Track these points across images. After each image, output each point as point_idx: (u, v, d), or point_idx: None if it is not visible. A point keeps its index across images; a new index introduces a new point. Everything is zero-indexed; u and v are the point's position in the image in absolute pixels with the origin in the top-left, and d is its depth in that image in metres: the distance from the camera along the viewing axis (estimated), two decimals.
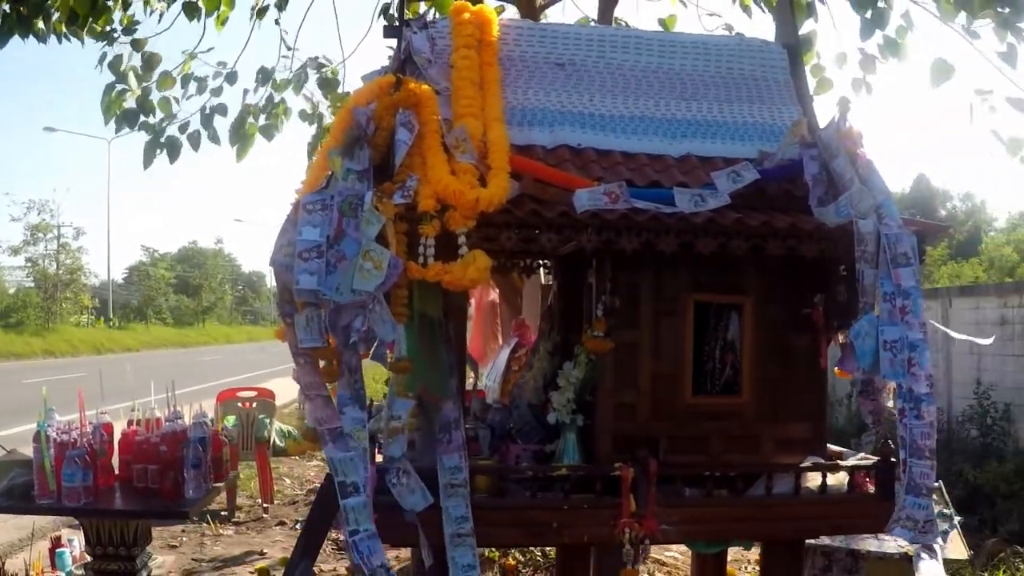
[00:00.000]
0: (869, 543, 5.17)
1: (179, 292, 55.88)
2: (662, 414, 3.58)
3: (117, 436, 4.20)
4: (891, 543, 5.12)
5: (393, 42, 3.84)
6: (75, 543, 4.86)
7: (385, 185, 3.15)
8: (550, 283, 4.85)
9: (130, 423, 4.27)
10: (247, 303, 77.55)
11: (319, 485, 3.59)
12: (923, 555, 4.64)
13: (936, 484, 5.48)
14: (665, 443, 3.54)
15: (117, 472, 4.14)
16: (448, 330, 3.37)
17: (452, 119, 3.47)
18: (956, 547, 5.29)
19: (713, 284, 3.64)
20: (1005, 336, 11.66)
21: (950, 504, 5.52)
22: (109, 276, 48.31)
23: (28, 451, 3.98)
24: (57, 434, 3.89)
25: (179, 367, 21.58)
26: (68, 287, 38.18)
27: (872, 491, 3.69)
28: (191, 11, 6.18)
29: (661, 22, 7.03)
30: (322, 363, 3.14)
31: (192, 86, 7.23)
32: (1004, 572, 6.40)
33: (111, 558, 3.96)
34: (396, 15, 3.83)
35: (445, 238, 3.15)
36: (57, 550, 4.64)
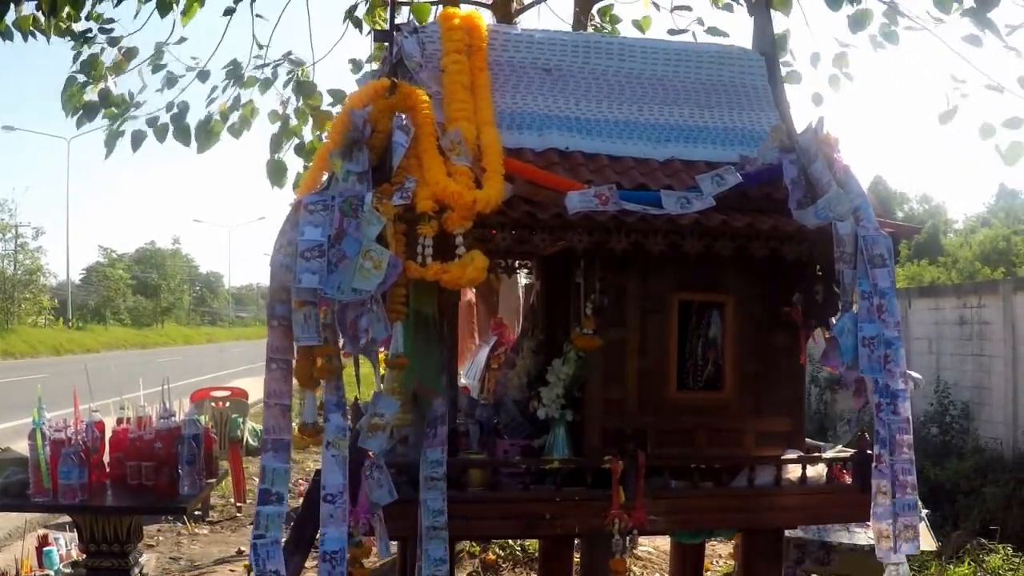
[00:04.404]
0: (841, 535, 5.34)
1: (137, 293, 55.29)
2: (648, 409, 3.70)
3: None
4: (862, 535, 5.29)
5: (363, 48, 3.92)
6: (61, 541, 4.88)
7: (384, 186, 3.24)
8: (531, 283, 4.94)
9: (120, 421, 4.30)
10: (205, 304, 76.87)
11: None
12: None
13: None
14: (651, 436, 3.66)
15: (108, 469, 4.18)
16: (442, 328, 3.46)
17: (444, 122, 3.56)
18: (924, 539, 5.47)
19: (697, 284, 3.76)
20: (964, 336, 11.98)
21: (918, 498, 5.71)
22: (68, 277, 47.65)
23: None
24: (51, 432, 3.92)
25: (141, 368, 21.38)
26: (27, 287, 37.60)
27: (849, 482, 3.84)
28: (164, 8, 6.19)
29: (636, 24, 7.18)
30: (320, 360, 3.21)
31: (161, 78, 7.21)
32: (969, 563, 6.61)
33: (105, 555, 3.99)
34: (388, 19, 3.88)
35: (441, 238, 3.25)
36: (45, 549, 4.65)
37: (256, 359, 33.09)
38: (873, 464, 3.48)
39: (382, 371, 3.50)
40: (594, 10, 7.15)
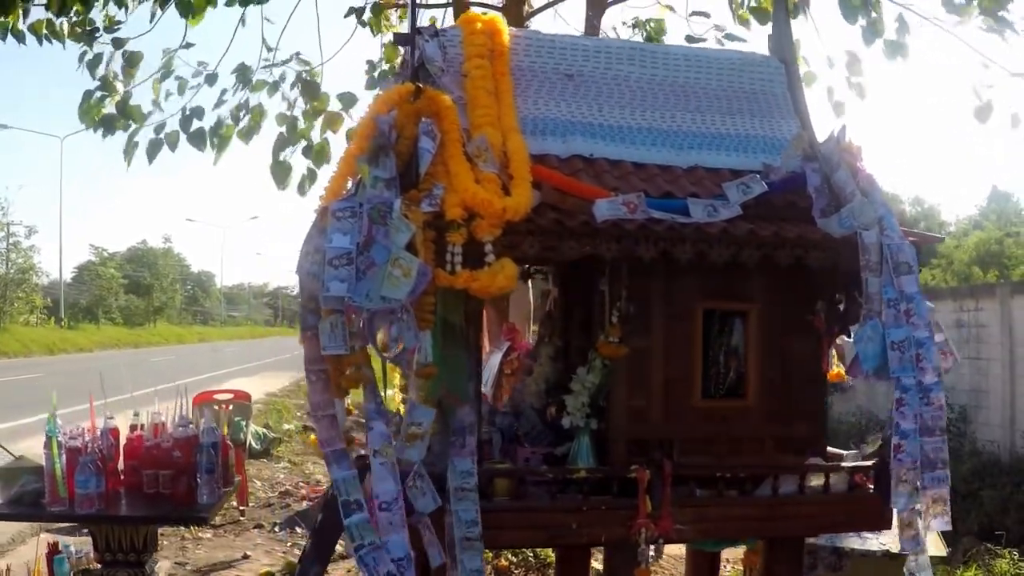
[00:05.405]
0: (852, 541, 5.32)
1: (129, 292, 55.06)
2: (673, 417, 3.68)
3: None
4: (874, 541, 5.27)
5: (372, 51, 3.89)
6: (70, 549, 4.82)
7: (411, 193, 3.21)
8: (546, 288, 4.90)
9: (133, 428, 4.26)
10: (197, 303, 76.66)
11: (325, 492, 3.64)
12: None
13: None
14: (676, 445, 3.64)
15: (122, 477, 4.13)
16: (468, 335, 3.43)
17: (469, 128, 3.53)
18: (935, 545, 5.46)
19: (721, 292, 3.74)
20: (960, 339, 11.98)
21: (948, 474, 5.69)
22: (61, 275, 47.40)
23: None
24: (66, 440, 3.87)
25: (137, 368, 21.32)
26: (20, 287, 37.35)
27: (872, 490, 3.84)
28: (184, 8, 6.16)
29: (649, 31, 7.16)
30: (349, 369, 3.18)
31: (172, 84, 7.18)
32: (976, 569, 6.61)
33: (121, 564, 3.94)
34: (408, 23, 3.84)
35: (469, 245, 3.22)
36: (55, 557, 4.59)
37: (250, 359, 33.10)
38: (892, 453, 3.49)
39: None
40: (609, 17, 7.16)
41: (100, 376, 4.59)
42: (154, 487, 3.95)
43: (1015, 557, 7.05)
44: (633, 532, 3.42)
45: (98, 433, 4.01)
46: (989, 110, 6.36)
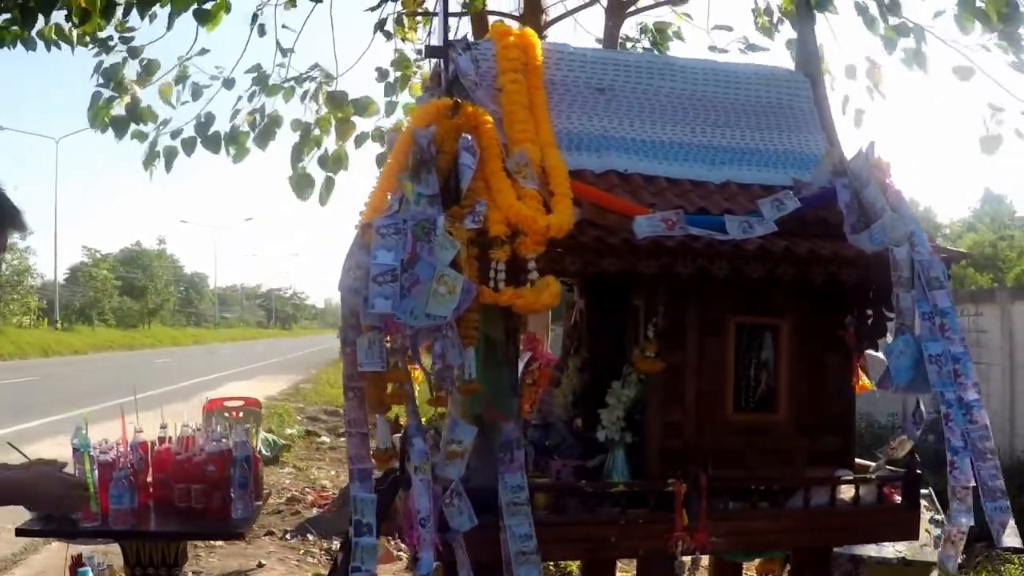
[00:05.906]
0: (869, 548, 5.35)
1: (123, 294, 54.93)
2: (706, 430, 3.70)
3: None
4: (890, 548, 5.30)
5: (387, 56, 3.89)
6: (94, 560, 4.82)
7: (454, 210, 3.22)
8: (572, 299, 4.92)
9: (161, 440, 4.26)
10: (191, 304, 76.57)
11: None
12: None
13: (927, 491, 5.71)
14: (709, 458, 3.66)
15: (151, 490, 4.13)
16: (508, 351, 3.45)
17: (508, 144, 3.53)
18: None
19: (752, 306, 3.77)
20: None
21: (941, 511, 5.72)
22: (55, 277, 47.22)
23: None
24: (98, 454, 3.86)
25: (137, 370, 21.30)
26: (15, 289, 37.19)
27: (899, 501, 3.89)
28: (201, 16, 6.15)
29: (658, 41, 7.19)
30: (389, 386, 3.19)
31: (187, 89, 7.18)
32: (987, 574, 6.65)
33: None
34: (440, 36, 3.84)
35: (511, 262, 3.22)
36: (79, 569, 4.59)
37: (245, 362, 33.03)
38: (948, 469, 3.51)
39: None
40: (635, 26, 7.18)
41: (135, 393, 4.61)
42: (186, 501, 3.95)
43: None
44: (670, 545, 3.44)
45: (128, 447, 4.01)
46: (998, 141, 6.38)
